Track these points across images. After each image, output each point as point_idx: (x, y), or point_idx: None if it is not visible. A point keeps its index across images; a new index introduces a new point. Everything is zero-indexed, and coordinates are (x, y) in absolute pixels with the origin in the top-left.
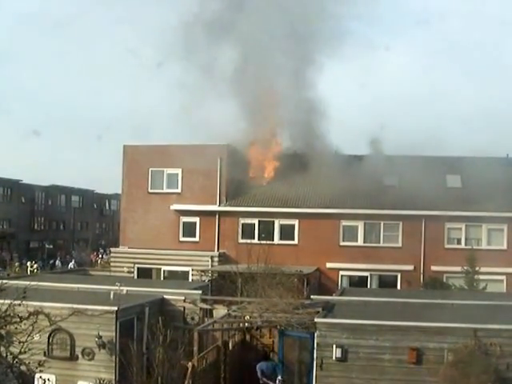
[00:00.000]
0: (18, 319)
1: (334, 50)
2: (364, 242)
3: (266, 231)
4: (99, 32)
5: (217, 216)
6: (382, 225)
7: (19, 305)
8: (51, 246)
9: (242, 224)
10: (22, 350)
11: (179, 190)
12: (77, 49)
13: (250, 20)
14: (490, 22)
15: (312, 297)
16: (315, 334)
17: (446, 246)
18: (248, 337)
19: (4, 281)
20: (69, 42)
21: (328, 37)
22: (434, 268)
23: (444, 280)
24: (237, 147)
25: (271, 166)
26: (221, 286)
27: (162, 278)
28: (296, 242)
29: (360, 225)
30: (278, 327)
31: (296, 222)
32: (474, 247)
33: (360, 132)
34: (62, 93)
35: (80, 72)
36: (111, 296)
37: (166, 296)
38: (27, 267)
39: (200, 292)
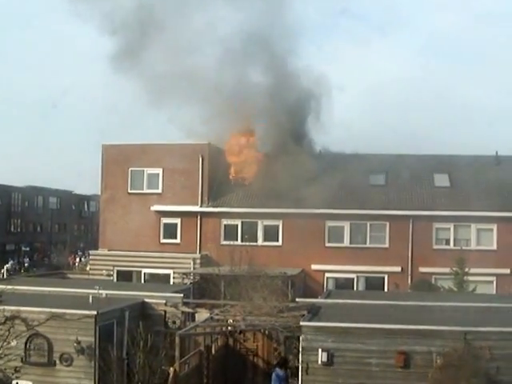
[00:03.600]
0: None
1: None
2: (350, 243)
3: (250, 232)
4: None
5: (198, 217)
6: (368, 225)
7: None
8: (28, 249)
9: (225, 225)
10: None
11: (160, 191)
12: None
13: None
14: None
15: (297, 299)
16: (300, 338)
17: (435, 246)
18: (231, 341)
19: None
20: None
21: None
22: (422, 269)
23: (432, 282)
24: (218, 146)
25: (253, 165)
26: (203, 289)
27: (142, 281)
28: (280, 243)
29: (346, 225)
30: (263, 331)
31: (280, 223)
32: (463, 248)
33: (347, 129)
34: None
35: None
36: (90, 300)
37: (146, 300)
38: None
39: (182, 295)
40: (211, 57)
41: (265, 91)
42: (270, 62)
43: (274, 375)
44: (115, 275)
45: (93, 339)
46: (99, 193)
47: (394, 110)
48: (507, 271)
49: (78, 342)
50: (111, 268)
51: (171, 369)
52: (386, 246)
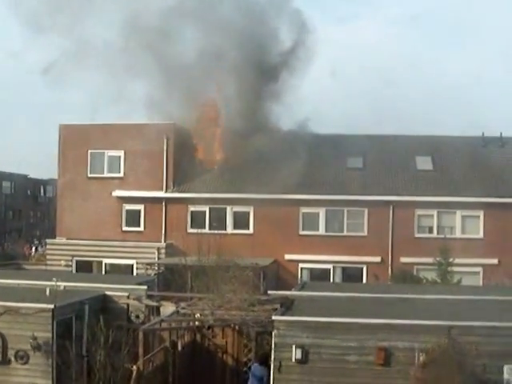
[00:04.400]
0: None
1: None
2: (326, 231)
3: (218, 219)
4: None
5: (163, 203)
6: (345, 212)
7: None
8: None
9: (192, 212)
10: None
11: (121, 175)
12: None
13: None
14: None
15: (269, 292)
16: (273, 334)
17: (417, 235)
18: (199, 337)
19: None
20: None
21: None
22: (403, 259)
23: (414, 273)
24: (183, 126)
25: (221, 147)
26: (168, 280)
27: (103, 273)
28: (251, 231)
29: (321, 212)
30: (232, 326)
31: (251, 209)
32: (447, 236)
33: (319, 106)
34: None
35: None
36: (47, 292)
37: (107, 292)
38: None
39: (145, 287)
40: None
41: (231, 60)
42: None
43: (250, 374)
44: (74, 266)
45: (50, 335)
46: (56, 177)
47: (371, 86)
48: (495, 261)
49: (35, 338)
50: (70, 258)
51: (134, 367)
52: (365, 234)
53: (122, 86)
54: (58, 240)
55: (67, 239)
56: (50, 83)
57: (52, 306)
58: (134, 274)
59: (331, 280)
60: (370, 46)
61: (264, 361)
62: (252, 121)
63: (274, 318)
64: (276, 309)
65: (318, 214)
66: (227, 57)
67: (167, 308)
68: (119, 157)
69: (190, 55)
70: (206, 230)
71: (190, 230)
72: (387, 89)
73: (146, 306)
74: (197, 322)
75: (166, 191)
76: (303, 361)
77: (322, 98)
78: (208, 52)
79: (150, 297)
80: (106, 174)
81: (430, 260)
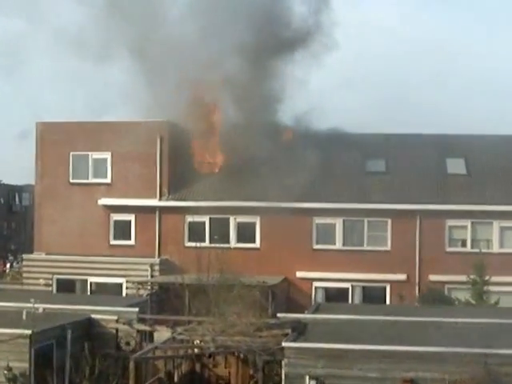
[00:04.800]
0: None
1: None
2: (343, 245)
3: (220, 231)
4: None
5: (157, 213)
6: (365, 223)
7: None
8: None
9: (190, 223)
10: None
11: (109, 180)
12: None
13: None
14: None
15: (279, 315)
16: (283, 363)
17: (448, 249)
18: (198, 366)
19: None
20: None
21: None
22: (432, 277)
23: (445, 292)
24: (179, 124)
25: (222, 148)
26: (163, 301)
27: (88, 293)
28: (258, 244)
29: (338, 223)
30: (237, 354)
31: (257, 220)
32: (483, 251)
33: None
34: None
35: None
36: (23, 316)
37: (93, 315)
38: None
39: (137, 310)
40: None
41: (234, 42)
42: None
43: None
44: (55, 285)
45: (27, 365)
46: (33, 183)
47: (392, 79)
48: None
49: (9, 369)
50: (50, 276)
51: None
52: (388, 248)
53: (100, 73)
54: (35, 255)
55: (46, 254)
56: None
57: (29, 332)
58: (124, 294)
59: (350, 301)
60: (387, 28)
61: None
62: (257, 117)
63: (284, 344)
64: (286, 334)
65: (334, 225)
66: (228, 37)
67: (162, 333)
68: (106, 159)
69: (184, 35)
70: (206, 244)
71: (188, 244)
72: (410, 79)
73: (138, 331)
74: (196, 350)
75: (160, 199)
76: None
77: (334, 89)
78: (206, 31)
79: (141, 320)
80: (90, 180)
81: (462, 278)
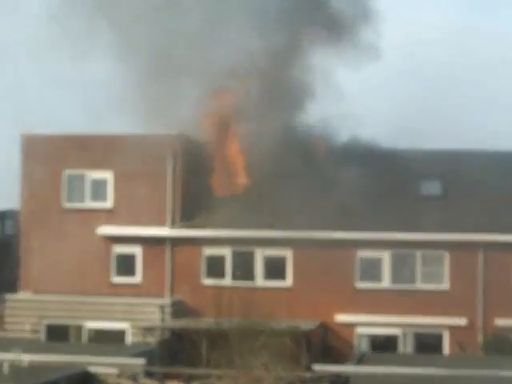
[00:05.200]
0: None
1: None
2: (392, 283)
3: (244, 267)
4: None
5: (168, 244)
6: (418, 256)
7: None
8: None
9: (207, 256)
10: None
11: (110, 205)
12: None
13: None
14: None
15: (315, 367)
16: None
17: None
18: None
19: None
20: None
21: None
22: (499, 322)
23: None
24: (195, 138)
25: (246, 167)
26: (175, 351)
27: (84, 341)
28: (289, 283)
29: (386, 256)
30: None
31: (289, 253)
32: None
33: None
34: None
35: None
36: (5, 369)
37: (90, 368)
38: None
39: (143, 361)
40: None
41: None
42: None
43: None
44: (44, 331)
45: None
46: (18, 207)
47: (444, 86)
48: None
49: None
50: (38, 321)
51: None
52: (446, 286)
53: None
54: (21, 295)
55: (34, 294)
56: None
57: None
58: (128, 342)
59: (400, 350)
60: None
61: None
62: (286, 128)
63: None
64: None
65: (380, 259)
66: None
67: None
68: (106, 180)
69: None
70: (228, 282)
71: (206, 282)
72: (463, 83)
73: None
74: None
75: (172, 227)
76: None
77: (370, 93)
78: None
79: (149, 374)
80: (88, 204)
81: None
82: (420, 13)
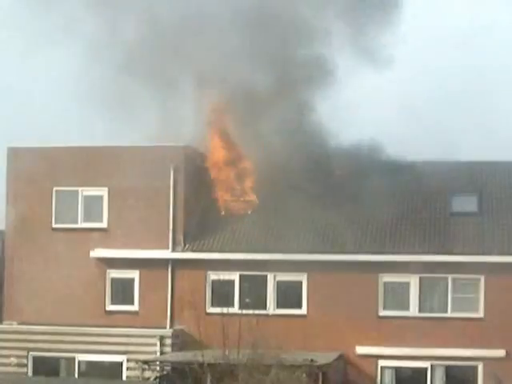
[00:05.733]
0: None
1: None
2: (420, 311)
3: (254, 294)
4: None
5: (170, 268)
6: (450, 281)
7: None
8: None
9: (213, 281)
10: None
11: (105, 225)
12: None
13: None
14: None
15: None
16: None
17: None
18: None
19: None
20: None
21: None
22: None
23: None
24: (199, 150)
25: (256, 183)
26: None
27: (76, 375)
28: (304, 310)
29: (413, 281)
30: None
31: (304, 278)
32: None
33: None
34: None
35: None
36: None
37: None
38: None
39: None
40: None
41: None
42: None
43: None
44: (31, 365)
45: None
46: (3, 227)
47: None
48: None
49: None
50: (24, 353)
51: None
52: (480, 315)
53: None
54: (5, 325)
55: (20, 324)
56: None
57: None
58: (124, 377)
59: None
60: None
61: None
62: (299, 138)
63: None
64: None
65: (407, 284)
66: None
67: None
68: (101, 197)
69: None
70: (236, 310)
71: (211, 310)
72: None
73: None
74: None
75: (174, 250)
76: None
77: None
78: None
79: None
80: (80, 224)
81: None
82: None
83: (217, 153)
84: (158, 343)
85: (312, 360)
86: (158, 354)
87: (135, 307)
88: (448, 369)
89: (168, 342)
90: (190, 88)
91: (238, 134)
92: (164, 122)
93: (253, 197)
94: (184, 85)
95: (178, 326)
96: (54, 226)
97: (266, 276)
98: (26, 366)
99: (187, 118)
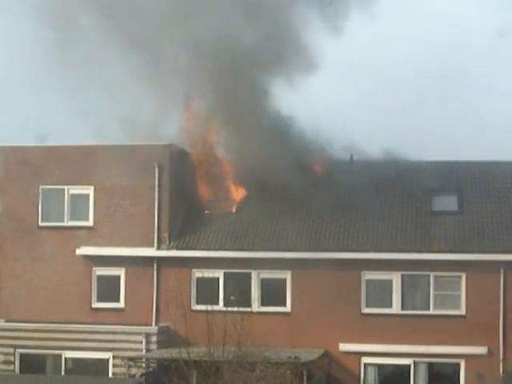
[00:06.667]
0: None
1: None
2: (402, 309)
3: (239, 291)
4: None
5: (155, 266)
6: (431, 278)
7: None
8: None
9: (198, 279)
10: None
11: (91, 223)
12: None
13: None
14: None
15: None
16: None
17: None
18: None
19: None
20: None
21: None
22: None
23: None
24: (183, 149)
25: (241, 181)
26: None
27: (62, 372)
28: (288, 308)
29: (395, 279)
30: None
31: (288, 275)
32: None
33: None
34: None
35: None
36: None
37: None
38: None
39: None
40: None
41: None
42: None
43: None
44: (17, 363)
45: None
46: None
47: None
48: None
49: None
50: (11, 350)
51: None
52: (462, 312)
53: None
54: None
55: (6, 321)
56: None
57: None
58: (110, 374)
59: (411, 382)
60: None
61: None
62: (282, 139)
63: None
64: None
65: (389, 281)
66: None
67: None
68: (87, 195)
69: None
70: (220, 307)
71: (196, 307)
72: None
73: None
74: None
75: (159, 248)
76: None
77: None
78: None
79: None
80: (66, 223)
81: None
82: None
83: (201, 151)
84: (144, 340)
85: (296, 357)
86: (144, 351)
87: (121, 305)
88: (430, 366)
89: (154, 339)
90: (174, 86)
91: (221, 133)
92: (149, 120)
93: (237, 195)
94: (168, 84)
95: (163, 324)
96: (40, 224)
97: (251, 274)
98: (13, 363)
99: (172, 116)
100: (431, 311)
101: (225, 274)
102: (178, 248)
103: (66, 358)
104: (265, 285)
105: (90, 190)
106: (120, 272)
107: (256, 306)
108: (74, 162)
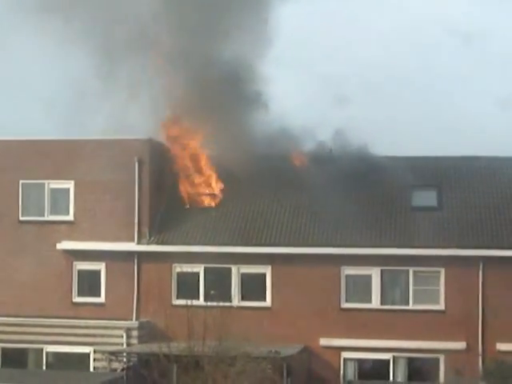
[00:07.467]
0: None
1: None
2: (382, 304)
3: (219, 286)
4: None
5: (135, 261)
6: (411, 273)
7: None
8: None
9: (179, 274)
10: None
11: (71, 218)
12: None
13: None
14: None
15: None
16: None
17: None
18: None
19: None
20: None
21: None
22: (501, 346)
23: None
24: (163, 143)
25: (221, 176)
26: (143, 378)
27: (43, 367)
28: (268, 303)
29: (374, 274)
30: None
31: (268, 270)
32: None
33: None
34: None
35: None
36: None
37: None
38: None
39: None
40: None
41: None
42: None
43: None
44: None
45: None
46: None
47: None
48: None
49: None
50: None
51: None
52: (441, 307)
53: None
54: None
55: None
56: None
57: None
58: (91, 368)
59: (391, 377)
60: None
61: None
62: (261, 134)
63: None
64: None
65: (369, 276)
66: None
67: None
68: (67, 190)
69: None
70: (201, 302)
71: (177, 302)
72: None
73: None
74: None
75: (139, 242)
76: None
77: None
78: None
79: None
80: (46, 217)
81: None
82: None
83: (181, 145)
84: (125, 335)
85: (276, 352)
86: (125, 345)
87: (102, 299)
88: (410, 361)
89: (134, 333)
90: (153, 79)
91: (202, 127)
92: (128, 114)
93: (217, 190)
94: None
95: (143, 318)
96: (20, 218)
97: (231, 268)
98: None
99: (151, 110)
100: (410, 306)
101: (205, 268)
102: (158, 243)
103: (47, 353)
104: (245, 280)
105: (70, 185)
106: (100, 266)
107: (236, 301)
108: (54, 156)
